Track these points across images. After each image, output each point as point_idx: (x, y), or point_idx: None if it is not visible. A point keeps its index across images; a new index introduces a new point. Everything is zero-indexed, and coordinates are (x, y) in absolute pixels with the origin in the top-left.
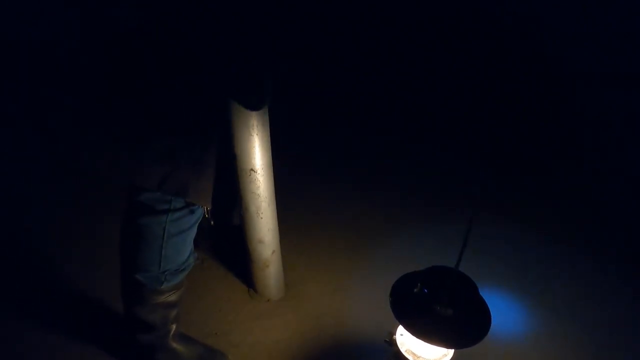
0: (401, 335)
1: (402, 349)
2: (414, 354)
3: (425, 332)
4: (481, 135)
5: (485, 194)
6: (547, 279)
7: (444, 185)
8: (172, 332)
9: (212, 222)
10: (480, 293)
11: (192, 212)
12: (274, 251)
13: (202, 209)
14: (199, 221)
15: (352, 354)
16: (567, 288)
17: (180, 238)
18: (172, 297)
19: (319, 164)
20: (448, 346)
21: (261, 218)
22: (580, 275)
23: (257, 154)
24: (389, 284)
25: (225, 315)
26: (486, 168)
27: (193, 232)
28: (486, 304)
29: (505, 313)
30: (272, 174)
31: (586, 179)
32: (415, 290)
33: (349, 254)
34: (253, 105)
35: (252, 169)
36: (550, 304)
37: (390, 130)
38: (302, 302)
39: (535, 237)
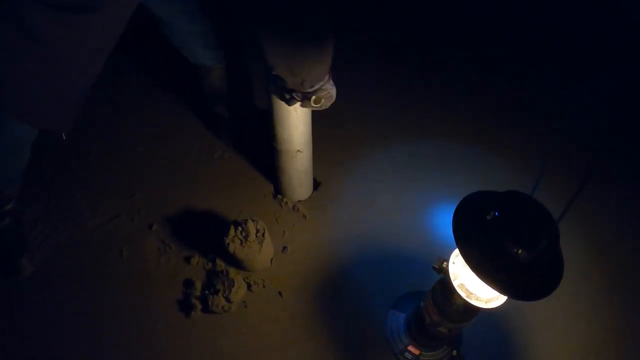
0: (453, 263)
1: (454, 281)
2: (466, 290)
3: (492, 275)
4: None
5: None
6: None
7: (522, 111)
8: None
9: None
10: None
11: None
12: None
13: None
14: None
15: (393, 272)
16: None
17: None
18: None
19: (372, 63)
20: (516, 297)
21: (301, 186)
22: None
23: (304, 137)
24: (436, 202)
25: (254, 208)
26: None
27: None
28: (562, 255)
29: None
30: (311, 149)
31: None
32: (487, 217)
33: (399, 166)
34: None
35: (299, 150)
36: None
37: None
38: (338, 208)
39: None
